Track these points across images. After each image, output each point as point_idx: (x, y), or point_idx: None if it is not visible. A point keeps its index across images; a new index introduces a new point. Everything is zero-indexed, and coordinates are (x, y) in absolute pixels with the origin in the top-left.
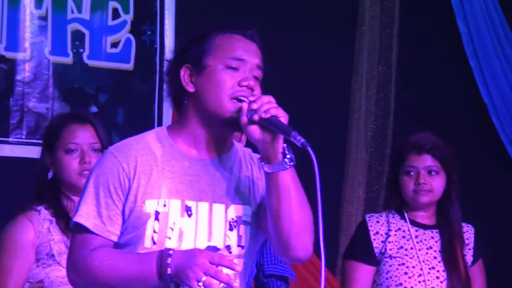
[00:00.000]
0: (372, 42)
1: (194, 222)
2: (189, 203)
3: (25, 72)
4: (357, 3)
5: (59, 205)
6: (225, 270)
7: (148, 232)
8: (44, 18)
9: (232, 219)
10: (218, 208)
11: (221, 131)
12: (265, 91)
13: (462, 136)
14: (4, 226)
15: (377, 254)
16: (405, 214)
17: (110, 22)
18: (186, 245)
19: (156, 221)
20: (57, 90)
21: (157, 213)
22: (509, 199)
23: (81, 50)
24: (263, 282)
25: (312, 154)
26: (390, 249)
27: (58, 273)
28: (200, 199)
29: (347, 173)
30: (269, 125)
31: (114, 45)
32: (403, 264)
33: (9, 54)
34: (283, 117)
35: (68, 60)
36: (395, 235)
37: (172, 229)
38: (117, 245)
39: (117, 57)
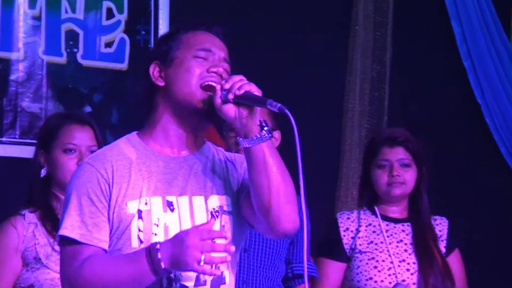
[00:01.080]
0: (365, 42)
1: (177, 216)
2: (169, 198)
3: (18, 72)
4: (350, 2)
5: (48, 205)
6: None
7: (134, 232)
8: (38, 18)
9: (214, 209)
10: (198, 200)
11: (192, 122)
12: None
13: (456, 136)
14: None
15: (347, 251)
16: (376, 209)
17: (104, 22)
18: None
19: (140, 220)
20: (51, 90)
21: (139, 211)
22: (502, 198)
23: (75, 50)
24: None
25: (291, 117)
26: (360, 245)
27: (47, 275)
28: (179, 194)
29: (341, 173)
30: (244, 100)
31: (108, 45)
32: (373, 258)
33: (2, 54)
34: (257, 91)
35: (62, 60)
36: (365, 230)
37: (157, 225)
38: (108, 253)
39: (111, 57)
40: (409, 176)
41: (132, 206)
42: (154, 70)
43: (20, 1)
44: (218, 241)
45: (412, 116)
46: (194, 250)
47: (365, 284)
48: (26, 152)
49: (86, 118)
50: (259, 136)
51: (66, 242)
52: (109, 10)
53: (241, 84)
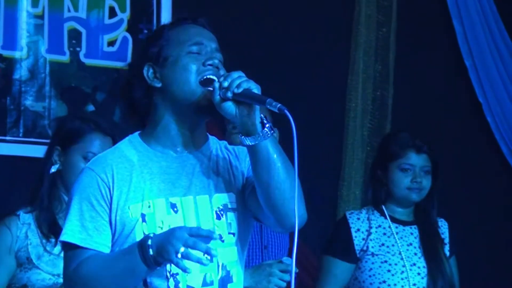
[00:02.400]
0: (368, 41)
1: (181, 217)
2: (173, 199)
3: (22, 71)
4: (353, 2)
5: (48, 205)
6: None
7: (139, 236)
8: (40, 17)
9: (218, 208)
10: (203, 199)
11: (194, 119)
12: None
13: (457, 135)
14: None
15: (357, 252)
16: (385, 211)
17: (107, 21)
18: None
19: (144, 223)
20: (54, 88)
21: (143, 215)
22: (504, 197)
23: (78, 49)
24: None
25: (290, 117)
26: (372, 247)
27: (38, 276)
28: (183, 195)
29: (344, 172)
30: (243, 98)
31: (111, 43)
32: (386, 261)
33: (6, 53)
34: (256, 89)
35: (65, 58)
36: (376, 232)
37: (162, 228)
38: None
39: (114, 56)
40: (427, 183)
41: (135, 210)
42: (148, 72)
43: (23, 0)
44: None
45: (414, 115)
46: (178, 241)
47: (378, 287)
48: (30, 151)
49: (110, 129)
50: (260, 134)
51: (67, 247)
52: (112, 9)
53: (240, 82)
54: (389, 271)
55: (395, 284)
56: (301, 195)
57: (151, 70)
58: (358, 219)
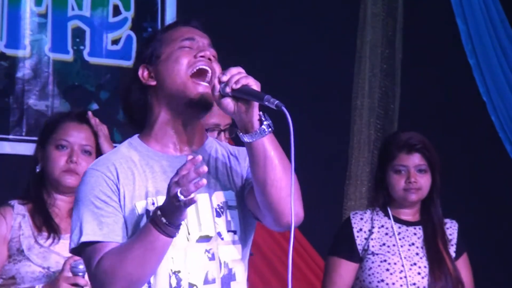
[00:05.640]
0: (374, 40)
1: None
2: None
3: (25, 69)
4: (359, 0)
5: (40, 200)
6: None
7: None
8: (44, 15)
9: (218, 205)
10: (203, 198)
11: (189, 116)
12: (267, 89)
13: (461, 133)
14: None
15: (360, 251)
16: (389, 211)
17: (111, 19)
18: (180, 238)
19: None
20: (57, 87)
21: (148, 211)
22: (508, 196)
23: (82, 47)
24: None
25: (288, 115)
26: (373, 246)
27: (28, 268)
28: None
29: (350, 171)
30: (241, 94)
31: (115, 42)
32: (385, 260)
33: (9, 52)
34: (255, 85)
35: (69, 57)
36: (378, 232)
37: None
38: None
39: (118, 54)
40: (424, 182)
41: (140, 207)
42: (143, 73)
43: None
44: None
45: (421, 114)
46: (175, 188)
47: (377, 286)
48: (33, 149)
49: (85, 116)
50: (258, 131)
51: (86, 246)
52: (116, 7)
53: (239, 78)
54: (387, 270)
55: (393, 283)
56: (299, 194)
57: (145, 71)
58: (361, 219)
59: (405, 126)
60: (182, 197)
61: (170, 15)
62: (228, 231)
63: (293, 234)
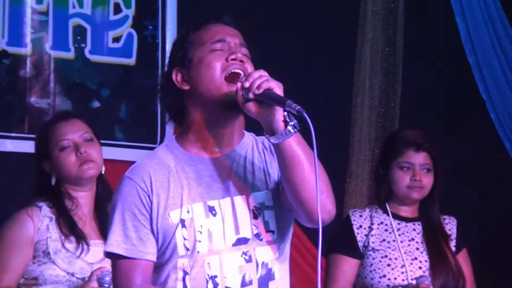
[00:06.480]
0: (375, 38)
1: (221, 220)
2: (211, 203)
3: (26, 67)
4: None
5: (62, 206)
6: None
7: (179, 241)
8: (45, 13)
9: (255, 207)
10: (240, 200)
11: (224, 118)
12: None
13: (460, 131)
14: (5, 221)
15: (360, 248)
16: (388, 208)
17: (112, 17)
18: (216, 244)
19: (184, 228)
20: (59, 85)
21: (182, 221)
22: (508, 194)
23: (83, 45)
24: None
25: (309, 120)
26: (373, 242)
27: (52, 271)
28: (221, 197)
29: (351, 169)
30: (264, 99)
31: (116, 40)
32: (386, 256)
33: (10, 49)
34: (277, 88)
35: (70, 55)
36: (377, 228)
37: (201, 232)
38: (156, 265)
39: (119, 52)
40: (428, 181)
41: (174, 216)
42: (177, 76)
43: None
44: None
45: (421, 112)
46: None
47: (379, 282)
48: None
49: (69, 112)
50: (284, 132)
51: (114, 257)
52: (117, 5)
53: (260, 82)
54: (389, 265)
55: (395, 278)
56: (330, 191)
57: (179, 75)
58: (361, 216)
59: (406, 124)
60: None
61: (171, 12)
62: (267, 231)
63: (321, 232)
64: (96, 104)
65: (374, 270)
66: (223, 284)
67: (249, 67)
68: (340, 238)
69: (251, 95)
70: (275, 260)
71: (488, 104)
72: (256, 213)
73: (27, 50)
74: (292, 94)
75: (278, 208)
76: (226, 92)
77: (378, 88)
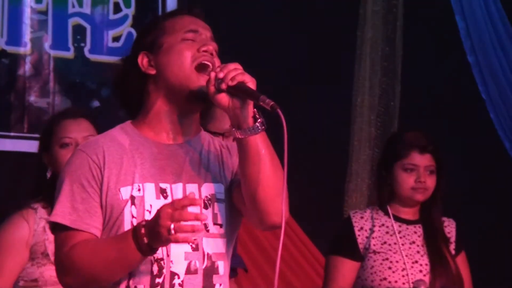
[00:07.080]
0: (375, 38)
1: None
2: (163, 185)
3: (26, 66)
4: None
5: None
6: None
7: (127, 218)
8: (44, 13)
9: (206, 197)
10: (192, 188)
11: (186, 107)
12: (267, 88)
13: (461, 131)
14: (0, 225)
15: (361, 250)
16: (389, 210)
17: (112, 16)
18: None
19: (133, 206)
20: (58, 84)
21: (132, 197)
22: (508, 193)
23: (82, 45)
24: None
25: (282, 116)
26: (374, 245)
27: (52, 272)
28: (173, 181)
29: (351, 169)
30: (236, 92)
31: (116, 39)
32: (387, 259)
33: (10, 49)
34: (250, 82)
35: (69, 54)
36: (379, 230)
37: (150, 212)
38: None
39: (119, 51)
40: (432, 183)
41: (125, 192)
42: (143, 60)
43: None
44: (191, 209)
45: (421, 112)
46: (165, 220)
47: (379, 284)
48: (34, 146)
49: (79, 111)
50: (251, 127)
51: (57, 227)
52: (116, 5)
53: (235, 74)
54: (390, 268)
55: (396, 281)
56: (287, 196)
57: (145, 58)
58: (362, 218)
59: (406, 123)
60: (172, 232)
61: None
62: (214, 223)
63: (283, 233)
64: (96, 103)
65: (375, 272)
66: (169, 268)
67: (217, 62)
68: (341, 240)
69: (223, 86)
70: (220, 254)
71: (487, 104)
72: (206, 203)
73: (26, 49)
74: (292, 94)
75: (229, 204)
76: (195, 82)
77: (378, 87)
